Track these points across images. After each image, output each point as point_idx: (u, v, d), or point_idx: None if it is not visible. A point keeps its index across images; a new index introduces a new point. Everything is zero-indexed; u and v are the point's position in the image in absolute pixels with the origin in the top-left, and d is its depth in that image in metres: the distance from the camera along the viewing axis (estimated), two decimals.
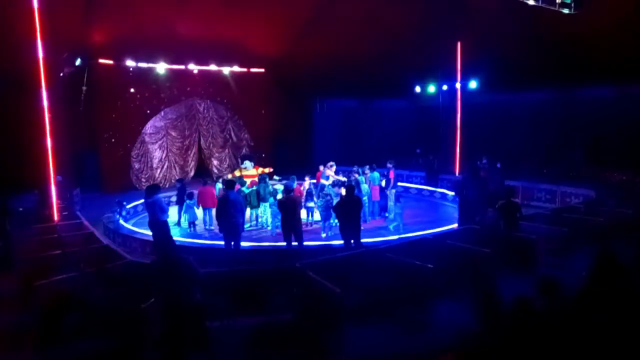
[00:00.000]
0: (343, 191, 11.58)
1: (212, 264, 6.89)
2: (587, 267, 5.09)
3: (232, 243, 8.93)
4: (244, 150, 20.23)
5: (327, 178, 12.70)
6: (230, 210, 8.65)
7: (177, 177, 16.94)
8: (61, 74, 10.77)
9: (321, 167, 14.36)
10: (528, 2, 11.14)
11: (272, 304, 6.06)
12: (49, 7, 9.79)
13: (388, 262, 6.89)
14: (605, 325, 3.88)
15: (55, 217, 10.31)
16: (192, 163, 19.36)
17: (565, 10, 11.13)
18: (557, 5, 11.00)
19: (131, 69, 16.77)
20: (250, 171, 13.85)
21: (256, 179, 13.19)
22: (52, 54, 10.01)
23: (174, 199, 13.74)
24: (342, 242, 8.95)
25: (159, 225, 8.14)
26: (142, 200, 14.21)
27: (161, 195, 9.37)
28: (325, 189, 11.74)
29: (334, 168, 13.16)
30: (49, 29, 9.85)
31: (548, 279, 4.42)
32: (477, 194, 10.32)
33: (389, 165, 13.01)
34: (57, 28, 10.12)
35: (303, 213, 11.37)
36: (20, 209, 11.41)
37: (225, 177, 15.17)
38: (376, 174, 12.59)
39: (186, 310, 4.19)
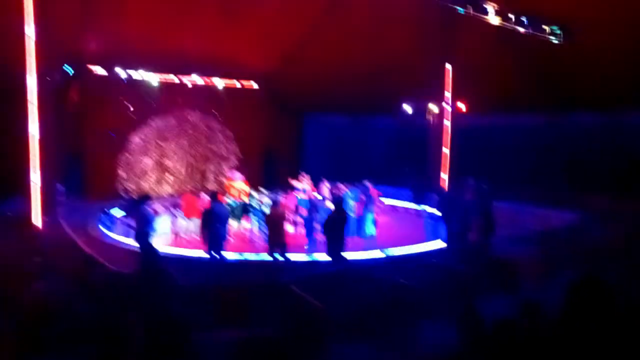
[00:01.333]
0: (330, 205, 11.66)
1: (197, 277, 6.86)
2: (569, 289, 5.14)
3: (214, 253, 8.93)
4: (231, 163, 20.20)
5: (304, 191, 12.78)
6: (213, 222, 8.66)
7: (164, 187, 16.81)
8: (50, 81, 10.68)
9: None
10: (517, 29, 11.38)
11: (255, 318, 6.02)
12: (42, 13, 9.77)
13: (373, 279, 6.90)
14: (587, 347, 3.90)
15: (39, 224, 10.17)
16: (180, 174, 19.26)
17: (554, 40, 11.38)
18: (547, 34, 11.24)
19: (122, 78, 16.71)
20: (238, 184, 13.80)
21: (246, 191, 13.15)
22: (41, 61, 9.96)
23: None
24: (327, 258, 8.94)
25: (145, 237, 8.08)
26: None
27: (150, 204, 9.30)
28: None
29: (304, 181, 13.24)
30: (41, 34, 9.82)
31: (529, 302, 4.45)
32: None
33: (367, 183, 12.99)
34: (49, 33, 10.08)
35: (291, 227, 11.39)
36: (8, 214, 11.26)
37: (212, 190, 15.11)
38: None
39: (166, 323, 4.14)
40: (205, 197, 12.55)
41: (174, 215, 11.94)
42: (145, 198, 9.03)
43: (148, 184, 18.16)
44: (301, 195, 12.47)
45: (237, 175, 13.93)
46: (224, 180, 13.65)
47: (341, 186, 13.16)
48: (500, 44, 13.63)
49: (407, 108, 18.20)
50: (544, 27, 11.27)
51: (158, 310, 4.08)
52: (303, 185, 12.98)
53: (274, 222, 9.06)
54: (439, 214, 11.81)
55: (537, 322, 4.15)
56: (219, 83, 18.69)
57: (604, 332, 3.88)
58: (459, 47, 14.97)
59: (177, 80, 17.72)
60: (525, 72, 14.31)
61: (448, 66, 16.71)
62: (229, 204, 11.72)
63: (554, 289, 6.88)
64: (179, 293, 4.30)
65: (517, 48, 13.37)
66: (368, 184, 12.92)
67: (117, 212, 13.80)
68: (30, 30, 9.65)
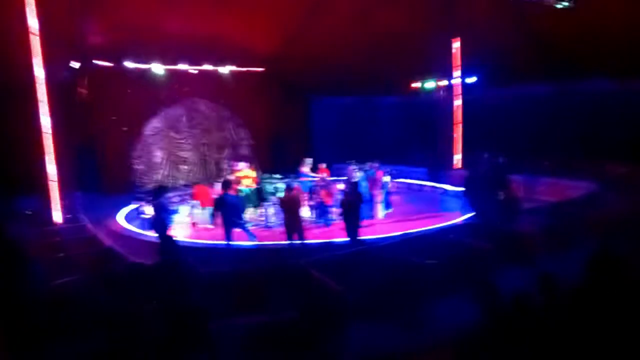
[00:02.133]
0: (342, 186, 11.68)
1: (214, 264, 6.95)
2: (586, 261, 5.11)
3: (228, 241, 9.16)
4: (243, 149, 20.29)
5: (305, 175, 12.76)
6: (227, 212, 8.81)
7: (179, 177, 16.90)
8: (59, 76, 10.78)
9: (322, 165, 14.41)
10: None
11: (274, 302, 6.10)
12: (47, 8, 9.80)
13: (390, 259, 6.92)
14: (603, 321, 3.90)
15: (59, 220, 10.35)
16: (193, 163, 19.38)
17: (561, 5, 11.12)
18: (553, 1, 10.99)
19: (129, 70, 16.72)
20: (246, 172, 13.80)
21: (255, 178, 13.19)
22: (50, 56, 10.02)
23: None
24: (342, 239, 8.99)
25: (163, 226, 8.20)
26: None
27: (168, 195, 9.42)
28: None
29: (310, 165, 13.30)
30: (46, 31, 9.87)
31: (546, 276, 4.44)
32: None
33: (374, 164, 12.87)
34: (56, 29, 10.13)
35: (306, 211, 11.43)
36: (28, 212, 11.49)
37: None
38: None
39: (186, 312, 4.23)
40: (218, 186, 12.66)
41: (190, 205, 12.06)
42: (162, 188, 9.13)
43: (162, 175, 18.31)
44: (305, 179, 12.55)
45: (241, 164, 13.92)
46: (230, 171, 13.68)
47: (352, 167, 13.16)
48: (506, 14, 13.36)
49: (417, 85, 18.00)
50: None
51: (177, 299, 4.15)
52: (307, 169, 13.04)
53: (289, 207, 9.10)
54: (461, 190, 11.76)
55: (554, 295, 4.15)
56: (225, 69, 18.63)
57: (620, 307, 3.88)
58: (466, 20, 14.69)
59: (183, 69, 17.69)
60: (534, 41, 14.04)
61: (456, 43, 16.47)
62: (242, 192, 11.80)
63: (571, 261, 6.88)
64: (197, 281, 4.37)
65: (524, 16, 13.10)
66: (376, 164, 12.84)
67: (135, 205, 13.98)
68: (33, 24, 9.69)
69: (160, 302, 4.37)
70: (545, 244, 7.40)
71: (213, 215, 11.26)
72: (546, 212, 8.98)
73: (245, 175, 13.21)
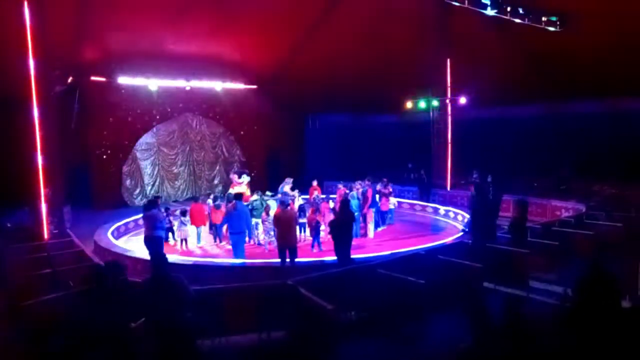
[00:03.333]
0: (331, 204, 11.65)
1: (204, 281, 6.87)
2: (577, 280, 5.13)
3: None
4: (235, 167, 20.27)
5: (285, 194, 12.74)
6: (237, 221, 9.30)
7: (169, 193, 16.83)
8: (53, 92, 10.74)
9: (314, 183, 14.42)
10: (514, 20, 11.34)
11: (264, 321, 6.04)
12: (40, 24, 9.82)
13: (381, 278, 6.89)
14: (594, 338, 3.91)
15: (46, 235, 10.22)
16: (184, 179, 19.32)
17: (551, 28, 11.36)
18: (543, 23, 11.21)
19: (123, 86, 16.75)
20: (242, 187, 13.78)
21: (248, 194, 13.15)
22: (43, 71, 10.01)
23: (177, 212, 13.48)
24: (334, 257, 8.94)
25: (154, 241, 8.11)
26: (132, 218, 14.24)
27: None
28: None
29: (289, 185, 13.34)
30: (40, 46, 9.87)
31: (512, 300, 4.46)
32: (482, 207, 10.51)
33: (365, 182, 12.87)
34: (49, 45, 10.13)
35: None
36: (8, 225, 11.32)
37: (216, 193, 15.12)
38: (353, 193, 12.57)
39: (177, 330, 4.16)
40: (211, 203, 12.59)
41: (182, 223, 11.97)
42: (154, 203, 9.05)
43: (153, 191, 18.20)
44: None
45: (244, 177, 13.84)
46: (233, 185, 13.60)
47: (357, 185, 13.24)
48: (497, 36, 13.60)
49: (409, 104, 18.17)
50: (542, 17, 11.22)
51: (167, 317, 4.09)
52: (287, 188, 13.05)
53: (283, 223, 9.03)
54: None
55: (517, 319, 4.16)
56: (219, 86, 18.72)
57: (611, 323, 3.88)
58: (457, 41, 14.94)
59: (177, 85, 17.75)
60: (524, 63, 14.28)
61: (448, 64, 16.70)
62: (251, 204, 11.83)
63: (562, 279, 6.88)
64: (188, 299, 4.31)
65: (515, 39, 13.35)
66: (367, 182, 12.86)
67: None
68: (28, 39, 9.70)
69: (150, 319, 4.30)
70: (536, 264, 7.41)
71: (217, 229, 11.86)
72: (537, 232, 9.01)
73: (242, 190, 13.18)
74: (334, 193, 14.21)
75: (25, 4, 9.63)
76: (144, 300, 4.33)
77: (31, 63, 9.70)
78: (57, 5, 10.61)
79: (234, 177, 13.54)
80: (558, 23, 11.25)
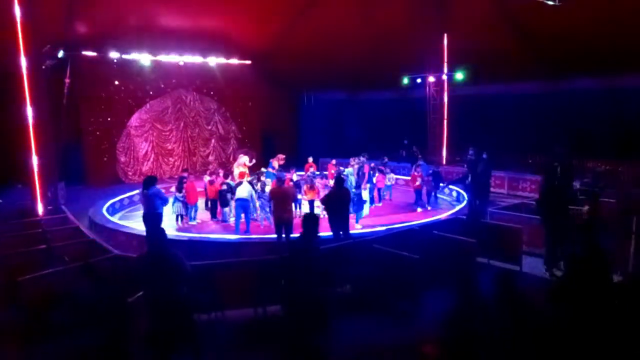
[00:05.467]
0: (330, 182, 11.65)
1: (200, 257, 6.89)
2: (569, 255, 5.18)
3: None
4: (230, 143, 20.18)
5: (273, 168, 12.78)
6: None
7: (164, 169, 16.77)
8: (43, 67, 10.57)
9: (310, 159, 14.39)
10: None
11: (260, 296, 6.09)
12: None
13: (376, 253, 6.94)
14: (584, 313, 3.97)
15: (40, 211, 10.20)
16: (178, 156, 19.23)
17: (550, 2, 11.21)
18: None
19: (115, 61, 16.50)
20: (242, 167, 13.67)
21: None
22: (33, 46, 9.83)
23: (172, 189, 13.41)
24: (329, 233, 8.97)
25: (153, 218, 8.08)
26: (128, 194, 14.20)
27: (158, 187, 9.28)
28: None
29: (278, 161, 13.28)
30: (30, 21, 9.68)
31: (505, 274, 4.50)
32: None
33: (361, 159, 12.82)
34: (39, 19, 9.93)
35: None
36: (0, 201, 11.29)
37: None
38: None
39: (174, 305, 4.19)
40: (207, 179, 12.55)
41: (177, 199, 11.94)
42: (151, 180, 9.00)
43: (147, 167, 18.13)
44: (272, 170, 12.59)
45: (244, 157, 13.73)
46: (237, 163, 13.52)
47: (333, 163, 13.28)
48: (496, 11, 13.44)
49: (405, 81, 18.04)
50: None
51: (164, 291, 4.11)
52: (276, 163, 13.05)
53: (279, 199, 9.02)
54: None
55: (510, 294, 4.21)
56: (214, 61, 18.47)
57: (602, 297, 3.94)
58: (455, 16, 14.75)
59: (171, 60, 17.51)
60: (521, 39, 14.15)
61: (444, 39, 16.52)
62: (229, 185, 11.76)
63: (555, 255, 6.95)
64: (184, 274, 4.34)
65: (512, 14, 13.19)
66: (363, 158, 12.82)
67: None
68: (17, 13, 9.50)
69: (147, 294, 4.32)
70: (530, 240, 7.48)
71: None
72: (531, 209, 9.06)
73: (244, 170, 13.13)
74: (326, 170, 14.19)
75: None
76: (141, 275, 4.34)
77: (20, 38, 9.52)
78: None
79: (244, 158, 13.41)
80: None
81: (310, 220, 4.88)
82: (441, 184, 13.36)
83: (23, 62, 9.60)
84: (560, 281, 4.68)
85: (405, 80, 18.22)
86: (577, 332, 3.87)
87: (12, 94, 10.06)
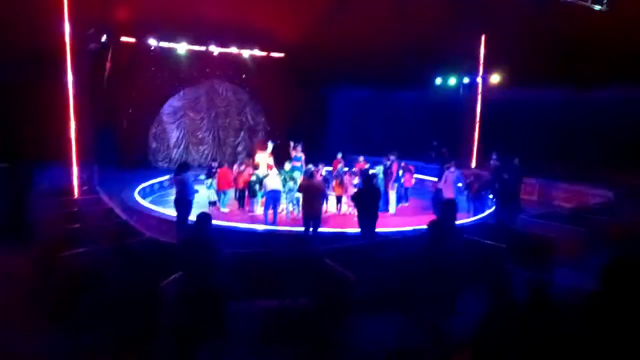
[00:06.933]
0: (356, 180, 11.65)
1: (229, 246, 6.99)
2: (603, 269, 5.07)
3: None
4: (260, 135, 20.31)
5: (298, 159, 12.86)
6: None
7: (194, 157, 17.01)
8: (87, 50, 10.80)
9: (338, 155, 14.40)
10: None
11: (288, 288, 6.14)
12: None
13: (403, 253, 6.91)
14: (617, 328, 3.89)
15: (76, 192, 10.45)
16: (208, 144, 19.47)
17: (597, 7, 10.92)
18: (590, 1, 10.78)
19: (152, 48, 16.77)
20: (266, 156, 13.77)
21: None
22: (78, 29, 10.04)
23: (202, 177, 13.62)
24: (356, 229, 8.98)
25: (185, 204, 8.24)
26: (159, 179, 14.47)
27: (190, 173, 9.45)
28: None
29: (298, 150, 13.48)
30: (74, 5, 9.87)
31: (538, 281, 4.42)
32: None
33: (391, 157, 12.76)
34: (82, 4, 10.13)
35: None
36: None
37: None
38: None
39: (208, 292, 4.27)
40: (238, 169, 12.67)
41: (208, 186, 12.13)
42: (184, 167, 9.16)
43: (178, 154, 18.41)
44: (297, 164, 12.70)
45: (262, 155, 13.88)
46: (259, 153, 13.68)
47: (361, 160, 13.23)
48: (535, 14, 13.14)
49: (439, 81, 17.85)
50: None
51: (201, 278, 4.20)
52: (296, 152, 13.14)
53: (308, 193, 9.06)
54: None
55: (543, 302, 4.13)
56: (247, 53, 18.60)
57: (636, 313, 3.84)
58: (492, 17, 14.48)
59: (205, 50, 17.71)
60: (560, 43, 13.80)
61: (480, 41, 16.24)
62: (257, 175, 11.89)
63: (589, 268, 6.79)
64: (220, 263, 4.41)
65: (555, 17, 12.87)
66: (392, 157, 12.78)
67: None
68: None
69: (184, 278, 4.41)
70: (563, 249, 7.35)
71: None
72: (564, 218, 8.90)
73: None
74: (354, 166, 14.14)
75: None
76: (183, 259, 4.43)
77: (66, 20, 9.73)
78: None
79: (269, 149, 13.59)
80: (605, 2, 10.78)
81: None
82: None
83: (67, 45, 9.80)
84: (596, 294, 4.57)
85: (439, 81, 18.03)
86: (613, 347, 3.79)
87: (54, 76, 10.29)
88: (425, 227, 9.18)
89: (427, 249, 4.67)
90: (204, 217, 4.33)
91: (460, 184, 11.81)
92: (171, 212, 9.83)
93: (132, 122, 17.31)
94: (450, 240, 4.58)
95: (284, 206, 11.89)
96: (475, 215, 11.59)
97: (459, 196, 11.44)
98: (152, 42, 16.46)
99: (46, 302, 5.71)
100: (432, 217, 11.91)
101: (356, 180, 11.97)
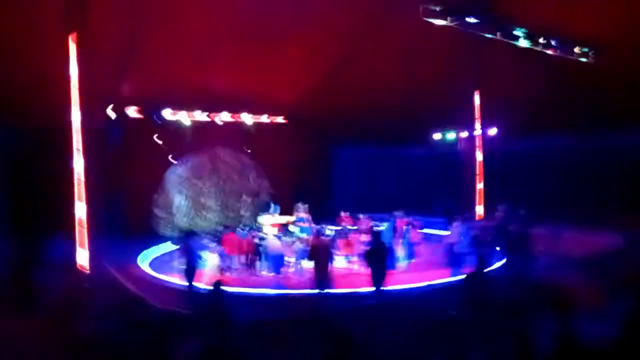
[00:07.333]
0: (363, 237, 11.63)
1: (242, 312, 6.90)
2: (623, 315, 4.98)
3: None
4: (264, 198, 20.44)
5: (302, 220, 12.87)
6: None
7: (198, 224, 17.09)
8: (94, 125, 11.08)
9: (342, 213, 14.45)
10: (547, 51, 11.38)
11: (299, 351, 6.00)
12: (86, 62, 10.19)
13: (415, 309, 6.82)
14: None
15: (85, 265, 10.38)
16: (213, 210, 19.55)
17: (584, 59, 11.35)
18: (575, 55, 11.21)
19: (157, 119, 17.24)
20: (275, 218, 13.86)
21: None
22: (87, 103, 10.31)
23: (207, 242, 13.59)
24: (367, 288, 8.88)
25: (191, 271, 8.18)
26: (164, 250, 14.42)
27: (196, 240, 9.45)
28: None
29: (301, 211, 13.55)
30: (85, 79, 10.19)
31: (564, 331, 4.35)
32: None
33: (396, 214, 12.84)
34: (93, 78, 10.48)
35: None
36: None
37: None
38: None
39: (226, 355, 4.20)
40: (242, 233, 12.69)
41: (215, 252, 12.09)
42: (191, 233, 9.18)
43: (184, 221, 18.47)
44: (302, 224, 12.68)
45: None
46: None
47: (363, 218, 13.29)
48: (529, 67, 13.60)
49: (437, 136, 18.19)
50: (575, 48, 11.23)
51: (216, 345, 4.15)
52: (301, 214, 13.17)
53: (318, 253, 9.02)
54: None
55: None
56: (249, 119, 19.12)
57: None
58: (489, 73, 14.97)
59: (208, 119, 18.23)
60: (556, 94, 14.19)
61: (477, 95, 16.69)
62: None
63: (606, 316, 6.67)
64: (235, 329, 4.36)
65: (547, 70, 13.32)
66: (398, 214, 12.85)
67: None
68: (73, 73, 10.07)
69: (195, 346, 4.35)
70: (580, 298, 7.22)
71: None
72: (577, 265, 8.81)
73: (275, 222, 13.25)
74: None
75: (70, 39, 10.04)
76: (193, 327, 4.39)
77: (77, 97, 10.04)
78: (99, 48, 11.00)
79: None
80: (591, 54, 11.22)
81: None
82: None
83: (77, 117, 10.02)
84: (620, 341, 4.49)
85: (438, 136, 18.38)
86: None
87: (63, 149, 10.47)
88: (438, 281, 9.10)
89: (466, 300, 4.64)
90: (217, 285, 4.34)
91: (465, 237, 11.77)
92: (178, 280, 9.76)
93: (138, 190, 17.49)
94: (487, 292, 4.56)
95: (292, 267, 11.81)
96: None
97: (469, 249, 11.31)
98: (157, 114, 16.94)
99: None
100: (442, 271, 11.86)
101: (364, 238, 11.95)
